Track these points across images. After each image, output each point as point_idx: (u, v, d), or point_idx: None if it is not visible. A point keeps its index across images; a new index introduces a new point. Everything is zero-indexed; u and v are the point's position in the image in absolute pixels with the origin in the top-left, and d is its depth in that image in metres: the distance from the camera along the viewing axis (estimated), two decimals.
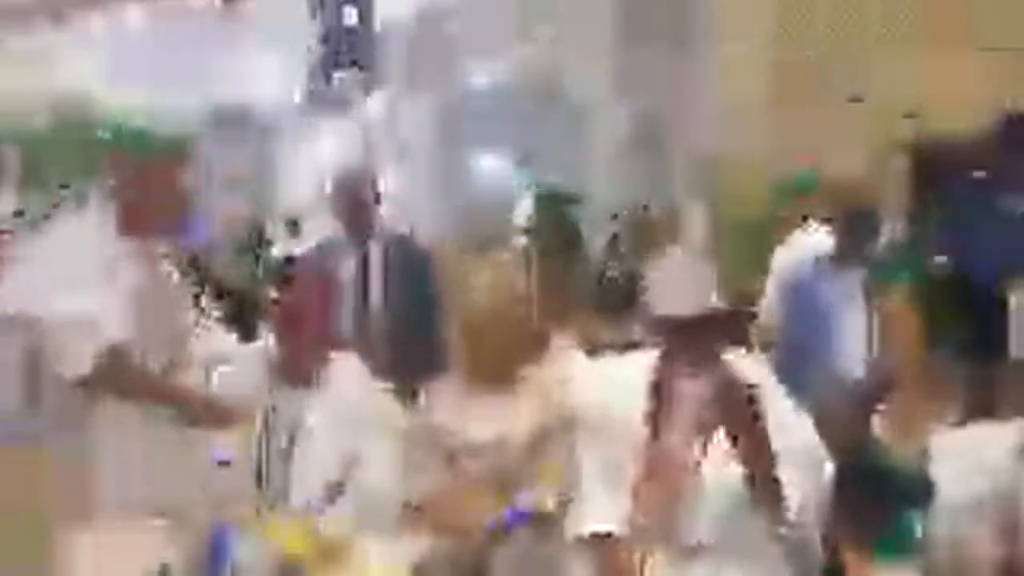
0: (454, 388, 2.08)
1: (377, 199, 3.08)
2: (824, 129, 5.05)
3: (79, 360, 1.65)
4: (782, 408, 1.69)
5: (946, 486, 1.65)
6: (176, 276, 1.96)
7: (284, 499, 1.85)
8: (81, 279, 1.69)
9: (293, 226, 7.99)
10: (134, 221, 1.82)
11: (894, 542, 1.58)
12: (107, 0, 8.86)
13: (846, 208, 2.63)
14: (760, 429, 1.62)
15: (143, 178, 1.82)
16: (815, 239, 2.89)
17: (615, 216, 6.53)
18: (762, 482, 1.66)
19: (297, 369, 2.00)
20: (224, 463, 1.59)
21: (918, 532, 1.58)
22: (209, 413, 1.81)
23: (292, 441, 1.90)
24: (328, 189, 3.12)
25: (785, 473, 1.66)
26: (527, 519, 1.54)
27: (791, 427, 1.71)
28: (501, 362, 2.03)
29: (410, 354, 2.80)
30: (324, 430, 1.93)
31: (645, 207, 6.15)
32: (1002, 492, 1.48)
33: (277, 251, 6.24)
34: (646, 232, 6.23)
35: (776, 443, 1.65)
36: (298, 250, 7.12)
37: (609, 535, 1.79)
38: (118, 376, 1.71)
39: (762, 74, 5.57)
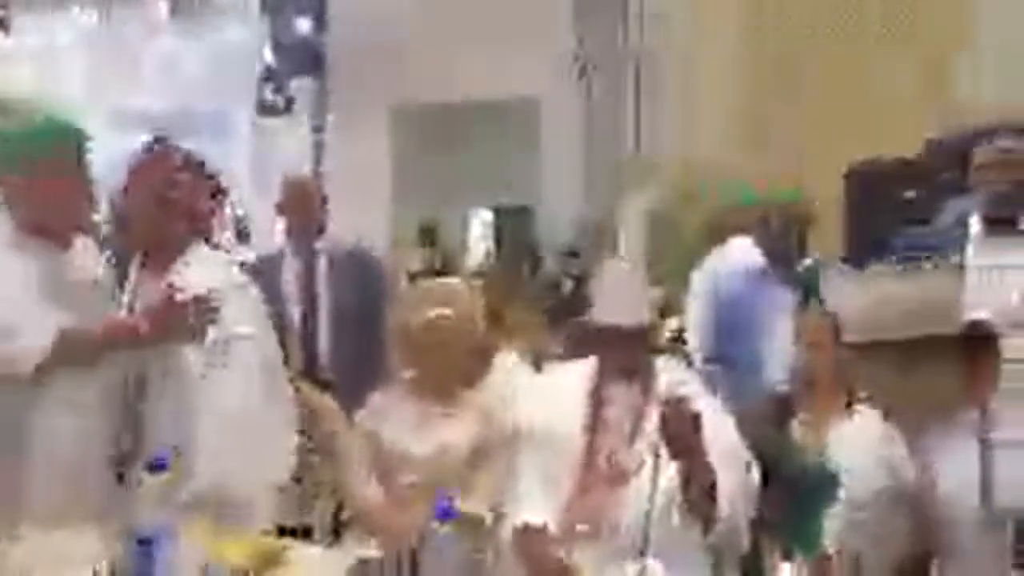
0: (396, 399, 2.11)
1: (323, 206, 3.08)
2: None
3: (25, 359, 1.65)
4: (708, 412, 1.76)
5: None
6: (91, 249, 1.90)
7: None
8: None
9: (242, 233, 7.90)
10: (32, 230, 1.77)
11: (808, 536, 1.66)
12: (56, 5, 8.71)
13: (779, 223, 2.75)
14: (699, 441, 1.68)
15: (32, 191, 1.75)
16: (744, 251, 2.96)
17: (572, 254, 6.60)
18: (698, 489, 1.72)
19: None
20: (160, 466, 1.58)
21: (826, 526, 1.66)
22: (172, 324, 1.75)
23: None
24: (278, 195, 3.12)
25: (716, 477, 1.73)
26: (456, 517, 1.58)
27: (717, 429, 1.79)
28: (445, 377, 2.06)
29: (354, 364, 2.83)
30: None
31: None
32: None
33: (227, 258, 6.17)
34: (594, 242, 6.34)
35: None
36: (250, 256, 7.10)
37: (542, 530, 1.84)
38: (71, 350, 1.71)
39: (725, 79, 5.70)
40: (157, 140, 1.96)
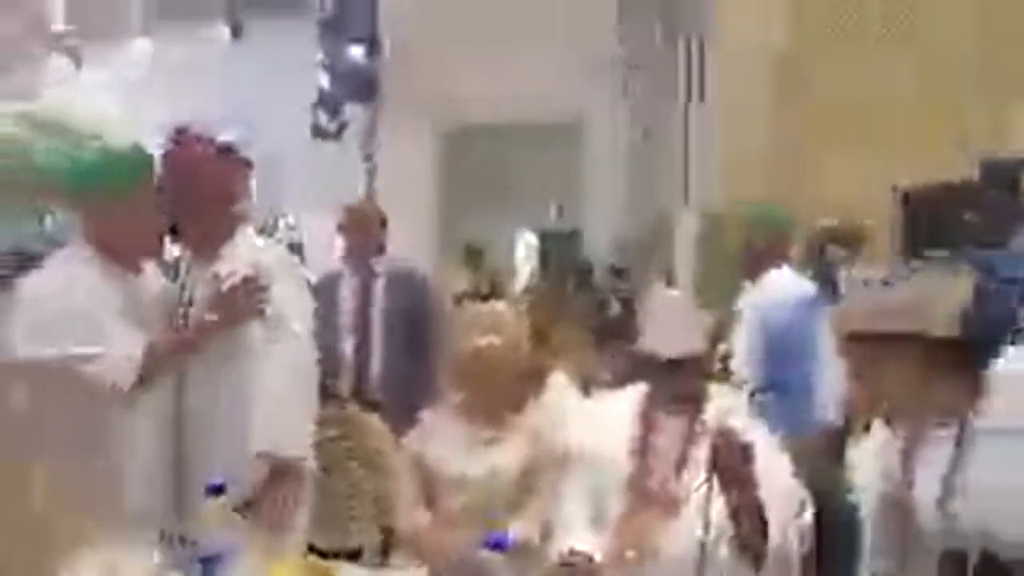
0: (445, 421, 2.12)
1: (383, 228, 3.13)
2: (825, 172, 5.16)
3: (124, 375, 1.74)
4: (760, 443, 1.74)
5: None
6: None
7: None
8: (84, 321, 1.74)
9: (297, 252, 8.06)
10: (109, 255, 1.84)
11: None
12: (116, 33, 9.05)
13: (831, 250, 2.71)
14: (750, 474, 1.66)
15: (109, 219, 1.82)
16: (791, 280, 2.92)
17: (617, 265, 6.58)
18: (748, 523, 1.70)
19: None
20: (218, 489, 1.62)
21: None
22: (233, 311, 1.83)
23: None
24: (335, 217, 3.18)
25: (768, 513, 1.70)
26: (508, 546, 1.58)
27: (769, 463, 1.76)
28: (493, 401, 2.07)
29: (404, 386, 2.86)
30: None
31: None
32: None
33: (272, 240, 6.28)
34: (642, 264, 6.31)
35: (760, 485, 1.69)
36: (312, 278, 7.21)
37: (590, 559, 1.83)
38: (159, 363, 1.79)
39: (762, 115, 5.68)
40: (179, 131, 1.95)
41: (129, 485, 1.79)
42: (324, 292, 3.00)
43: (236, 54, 8.69)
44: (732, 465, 1.66)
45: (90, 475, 1.71)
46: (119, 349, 1.76)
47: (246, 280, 1.83)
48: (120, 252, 1.85)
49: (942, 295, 1.36)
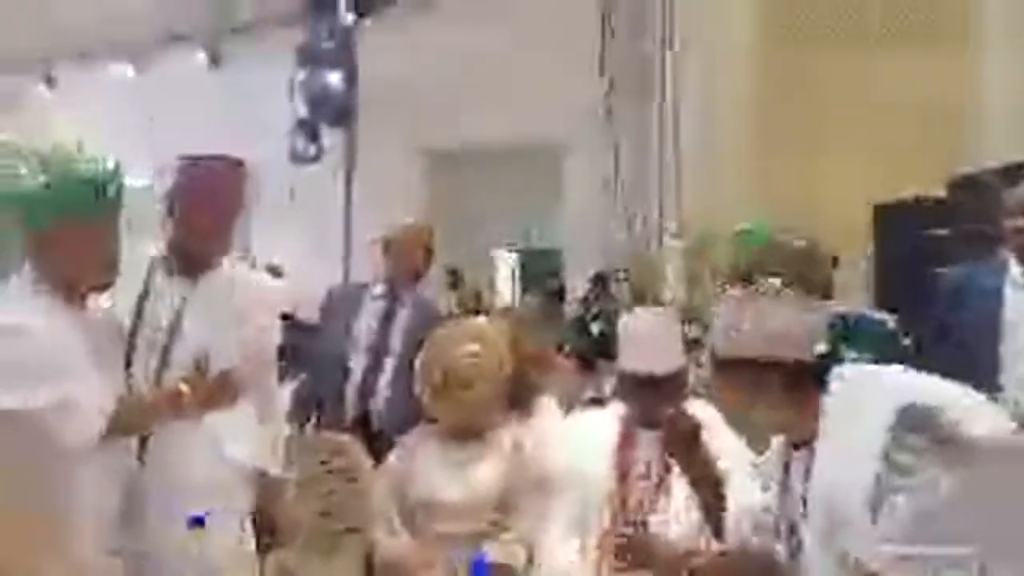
0: (428, 445, 2.12)
1: (429, 256, 2.94)
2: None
3: (88, 426, 1.61)
4: (709, 420, 1.77)
5: None
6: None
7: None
8: (53, 366, 1.60)
9: (275, 275, 8.02)
10: (55, 287, 1.69)
11: None
12: (94, 58, 9.03)
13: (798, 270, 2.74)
14: (700, 448, 1.66)
15: (55, 247, 1.66)
16: None
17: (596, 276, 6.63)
18: (707, 490, 1.69)
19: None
20: (198, 522, 1.59)
21: None
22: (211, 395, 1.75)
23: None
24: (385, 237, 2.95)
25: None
26: (489, 570, 1.58)
27: (722, 434, 1.81)
28: (476, 422, 2.07)
29: (409, 419, 2.76)
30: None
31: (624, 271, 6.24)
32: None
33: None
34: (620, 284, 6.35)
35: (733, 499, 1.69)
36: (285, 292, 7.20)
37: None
38: (127, 422, 1.69)
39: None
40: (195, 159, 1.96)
41: (85, 528, 1.67)
42: (339, 305, 2.92)
43: (214, 81, 8.71)
44: (682, 440, 1.66)
45: (44, 519, 1.61)
46: (84, 399, 1.61)
47: (225, 376, 1.74)
48: (65, 281, 1.69)
49: (802, 324, 1.43)
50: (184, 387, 1.70)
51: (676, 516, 1.89)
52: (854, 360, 1.91)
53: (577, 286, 7.09)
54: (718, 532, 1.67)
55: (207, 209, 1.93)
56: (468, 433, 2.07)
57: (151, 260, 1.95)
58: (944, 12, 5.17)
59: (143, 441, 1.82)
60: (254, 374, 1.90)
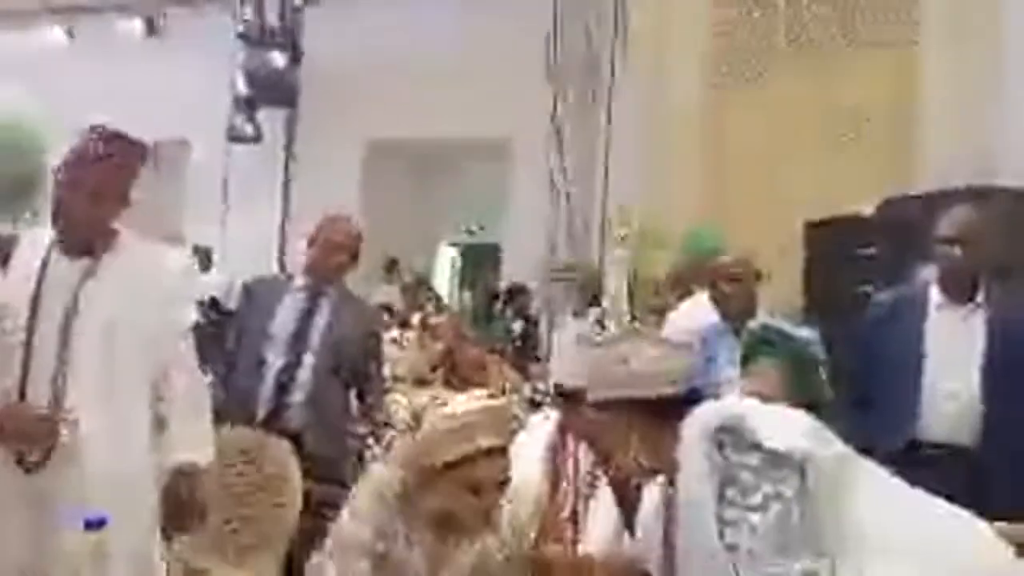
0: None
1: (358, 251, 2.83)
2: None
3: None
4: None
5: None
6: None
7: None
8: None
9: (204, 258, 7.81)
10: None
11: None
12: (28, 22, 8.59)
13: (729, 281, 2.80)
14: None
15: None
16: (706, 308, 2.99)
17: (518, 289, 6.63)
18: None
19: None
20: (97, 524, 1.47)
21: None
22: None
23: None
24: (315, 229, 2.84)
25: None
26: None
27: None
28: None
29: (329, 420, 2.69)
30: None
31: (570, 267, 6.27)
32: None
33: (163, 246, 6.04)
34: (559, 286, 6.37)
35: None
36: (215, 280, 6.97)
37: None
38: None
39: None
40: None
41: None
42: (258, 298, 2.82)
43: (152, 50, 8.38)
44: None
45: None
46: None
47: (41, 418, 1.67)
48: None
49: (659, 363, 1.47)
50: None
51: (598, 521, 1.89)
52: (771, 364, 1.96)
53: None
54: (630, 527, 1.71)
55: (79, 187, 1.78)
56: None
57: (50, 239, 1.83)
58: (894, 16, 5.32)
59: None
60: (165, 357, 1.82)
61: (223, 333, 3.06)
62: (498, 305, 6.83)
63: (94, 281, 1.80)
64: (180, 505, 1.81)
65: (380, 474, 1.73)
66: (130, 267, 1.83)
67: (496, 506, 1.68)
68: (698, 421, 1.37)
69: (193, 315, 1.95)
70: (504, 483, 1.65)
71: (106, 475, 1.72)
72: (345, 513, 1.69)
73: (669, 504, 1.47)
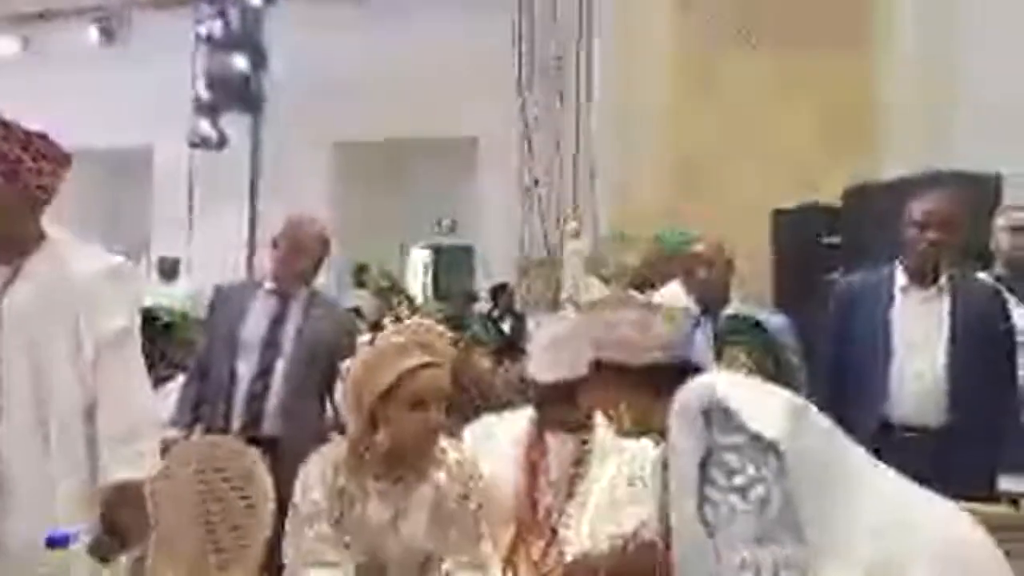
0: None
1: (325, 251, 2.79)
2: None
3: None
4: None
5: None
6: None
7: None
8: None
9: (171, 268, 7.69)
10: None
11: None
12: None
13: (704, 272, 2.82)
14: None
15: None
16: (676, 299, 3.00)
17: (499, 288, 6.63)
18: None
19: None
20: (61, 541, 1.40)
21: None
22: None
23: None
24: (278, 233, 2.80)
25: None
26: None
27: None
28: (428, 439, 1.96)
29: (305, 424, 2.63)
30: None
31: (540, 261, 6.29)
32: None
33: (150, 294, 5.96)
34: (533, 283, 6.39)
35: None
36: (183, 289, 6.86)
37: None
38: None
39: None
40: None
41: None
42: (227, 305, 2.76)
43: (112, 57, 8.23)
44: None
45: None
46: None
47: None
48: None
49: (646, 329, 1.46)
50: None
51: (581, 521, 1.88)
52: (743, 351, 1.98)
53: (488, 285, 7.09)
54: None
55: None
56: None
57: None
58: (856, 15, 5.39)
59: None
60: (101, 371, 1.71)
61: (191, 341, 3.00)
62: (484, 306, 6.83)
63: (11, 289, 1.71)
64: (116, 521, 1.71)
65: (325, 449, 1.79)
66: (54, 276, 1.73)
67: (442, 425, 1.74)
68: (688, 395, 1.33)
69: (122, 321, 1.77)
70: (446, 397, 1.70)
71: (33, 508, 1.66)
72: (297, 490, 1.73)
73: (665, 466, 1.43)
